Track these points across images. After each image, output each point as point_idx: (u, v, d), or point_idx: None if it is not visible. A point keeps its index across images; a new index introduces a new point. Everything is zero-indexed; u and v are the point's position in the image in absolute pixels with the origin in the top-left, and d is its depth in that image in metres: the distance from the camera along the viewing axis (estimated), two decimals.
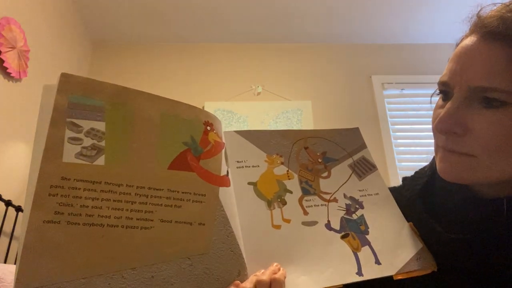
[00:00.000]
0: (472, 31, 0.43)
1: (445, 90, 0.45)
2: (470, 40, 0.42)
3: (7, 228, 1.47)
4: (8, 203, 1.43)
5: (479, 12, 0.44)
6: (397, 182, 2.14)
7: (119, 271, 0.36)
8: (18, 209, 1.49)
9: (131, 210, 0.38)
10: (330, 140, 0.59)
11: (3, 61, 1.51)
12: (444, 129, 0.43)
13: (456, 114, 0.42)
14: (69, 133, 0.39)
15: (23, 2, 1.68)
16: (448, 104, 0.43)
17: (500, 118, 0.39)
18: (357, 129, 0.62)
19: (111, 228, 0.37)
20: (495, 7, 0.42)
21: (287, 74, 2.47)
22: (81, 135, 0.39)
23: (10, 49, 1.54)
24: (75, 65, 2.22)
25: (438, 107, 0.46)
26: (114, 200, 0.38)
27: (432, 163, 0.55)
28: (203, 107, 2.27)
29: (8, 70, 1.53)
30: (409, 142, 2.33)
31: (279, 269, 0.43)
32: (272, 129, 2.23)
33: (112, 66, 2.41)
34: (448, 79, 0.44)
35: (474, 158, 0.41)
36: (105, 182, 0.38)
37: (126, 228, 0.38)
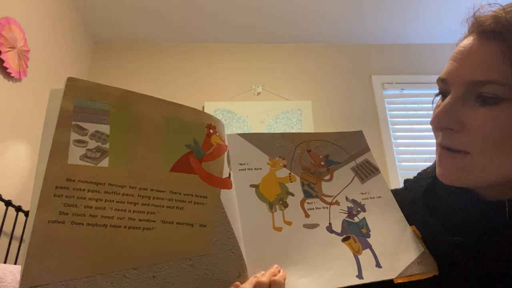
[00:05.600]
0: (469, 32, 0.44)
1: (444, 89, 0.46)
2: (467, 40, 0.43)
3: (7, 228, 1.47)
4: (8, 203, 1.43)
5: (475, 13, 0.45)
6: (397, 182, 2.15)
7: (121, 271, 0.37)
8: (18, 209, 1.49)
9: (133, 211, 0.39)
10: (333, 143, 0.59)
11: (3, 61, 1.51)
12: (440, 125, 0.43)
13: (452, 110, 0.42)
14: (74, 136, 0.40)
15: (23, 2, 1.68)
16: (445, 101, 0.43)
17: (495, 114, 0.39)
18: (360, 132, 0.62)
19: (114, 228, 0.38)
20: (491, 8, 0.43)
21: (287, 74, 2.47)
22: (86, 138, 0.40)
23: (10, 49, 1.54)
24: (75, 65, 2.22)
25: (437, 106, 0.46)
26: (117, 201, 0.39)
27: (435, 165, 0.55)
28: (203, 107, 2.28)
29: (8, 70, 1.53)
30: (409, 142, 2.34)
31: (279, 271, 0.43)
32: (272, 129, 2.25)
33: (112, 66, 2.41)
34: (445, 76, 0.44)
35: (468, 156, 0.42)
36: (108, 184, 0.39)
37: (129, 228, 0.38)
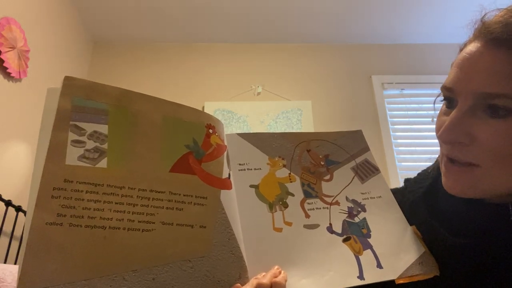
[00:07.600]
0: (476, 37, 0.42)
1: (449, 97, 0.44)
2: (474, 46, 0.41)
3: (7, 228, 1.47)
4: (8, 203, 1.43)
5: (483, 17, 0.42)
6: (397, 182, 2.15)
7: (120, 273, 0.36)
8: (18, 209, 1.49)
9: (132, 212, 0.39)
10: (333, 142, 0.58)
11: (3, 61, 1.51)
12: (449, 140, 0.42)
13: (461, 123, 0.41)
14: (72, 136, 0.39)
15: (23, 2, 1.68)
16: (453, 114, 0.42)
17: (506, 127, 0.38)
18: (360, 131, 0.61)
19: (113, 230, 0.37)
20: (499, 12, 0.41)
21: (287, 74, 2.46)
22: (84, 138, 0.40)
23: (10, 49, 1.54)
24: (75, 65, 2.21)
25: (442, 114, 0.45)
26: (116, 203, 0.38)
27: (436, 165, 0.54)
28: (203, 107, 2.27)
29: (8, 70, 1.53)
30: (409, 142, 2.33)
31: (280, 272, 0.43)
32: (272, 129, 2.25)
33: (112, 66, 2.41)
34: (452, 85, 0.42)
35: (478, 168, 0.41)
36: (107, 185, 0.38)
37: (128, 230, 0.38)
